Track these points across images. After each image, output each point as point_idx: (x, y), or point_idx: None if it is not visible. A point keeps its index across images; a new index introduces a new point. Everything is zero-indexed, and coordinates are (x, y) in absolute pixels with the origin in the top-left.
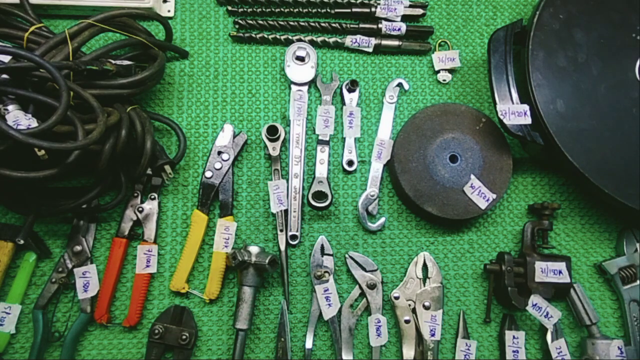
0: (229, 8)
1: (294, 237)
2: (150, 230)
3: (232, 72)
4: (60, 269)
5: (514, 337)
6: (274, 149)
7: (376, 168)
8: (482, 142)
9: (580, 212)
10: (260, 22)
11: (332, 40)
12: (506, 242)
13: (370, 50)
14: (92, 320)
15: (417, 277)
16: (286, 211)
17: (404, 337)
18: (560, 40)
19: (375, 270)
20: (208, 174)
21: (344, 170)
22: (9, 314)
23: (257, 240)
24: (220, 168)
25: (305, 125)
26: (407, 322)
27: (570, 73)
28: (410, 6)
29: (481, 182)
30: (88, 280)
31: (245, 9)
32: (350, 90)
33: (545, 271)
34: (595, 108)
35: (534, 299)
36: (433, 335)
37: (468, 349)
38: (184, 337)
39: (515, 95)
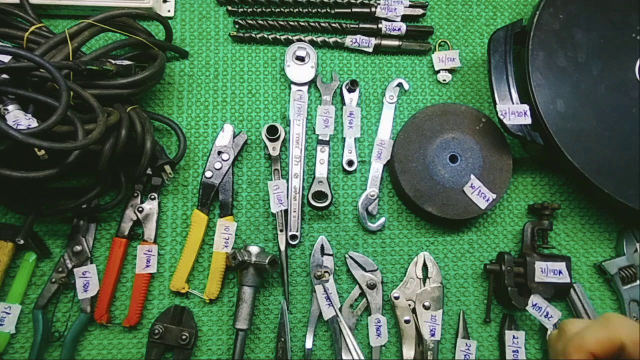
0: (229, 8)
1: (294, 237)
2: (150, 230)
3: (232, 72)
4: (60, 269)
5: (514, 337)
6: (274, 149)
7: (376, 168)
8: (482, 142)
9: (580, 212)
10: (260, 22)
11: (332, 40)
12: (506, 242)
13: (370, 50)
14: (92, 320)
15: (417, 277)
16: (286, 211)
17: (404, 337)
18: (560, 40)
19: (375, 270)
20: (208, 174)
21: (344, 170)
22: (9, 314)
23: (257, 240)
24: (220, 168)
25: (305, 125)
26: (407, 322)
27: (570, 73)
28: (410, 6)
29: (481, 182)
30: (88, 280)
31: (245, 9)
32: (350, 90)
33: (545, 271)
34: (595, 108)
35: (534, 299)
36: (433, 335)
37: (468, 349)
38: (184, 337)
39: (515, 95)
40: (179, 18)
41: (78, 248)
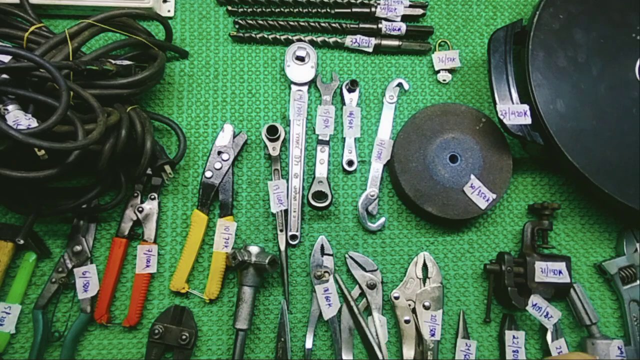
0: (229, 8)
1: (294, 237)
2: (150, 230)
3: (232, 72)
4: (60, 269)
5: (514, 337)
6: (274, 149)
7: (376, 168)
8: (482, 142)
9: (580, 212)
10: (260, 22)
11: (332, 40)
12: (506, 242)
13: (370, 50)
14: (92, 320)
15: (417, 277)
16: (286, 211)
17: (404, 337)
18: (560, 40)
19: (375, 270)
20: (208, 174)
21: (344, 170)
22: (9, 314)
23: (257, 240)
24: (220, 168)
25: (305, 125)
26: (407, 322)
27: (570, 73)
28: (410, 6)
29: (481, 182)
30: (88, 280)
31: (245, 9)
32: (350, 90)
33: (545, 271)
34: (595, 108)
35: (534, 299)
36: (433, 335)
37: (468, 349)
38: (183, 337)
39: (515, 95)
40: (179, 18)
41: (78, 248)
